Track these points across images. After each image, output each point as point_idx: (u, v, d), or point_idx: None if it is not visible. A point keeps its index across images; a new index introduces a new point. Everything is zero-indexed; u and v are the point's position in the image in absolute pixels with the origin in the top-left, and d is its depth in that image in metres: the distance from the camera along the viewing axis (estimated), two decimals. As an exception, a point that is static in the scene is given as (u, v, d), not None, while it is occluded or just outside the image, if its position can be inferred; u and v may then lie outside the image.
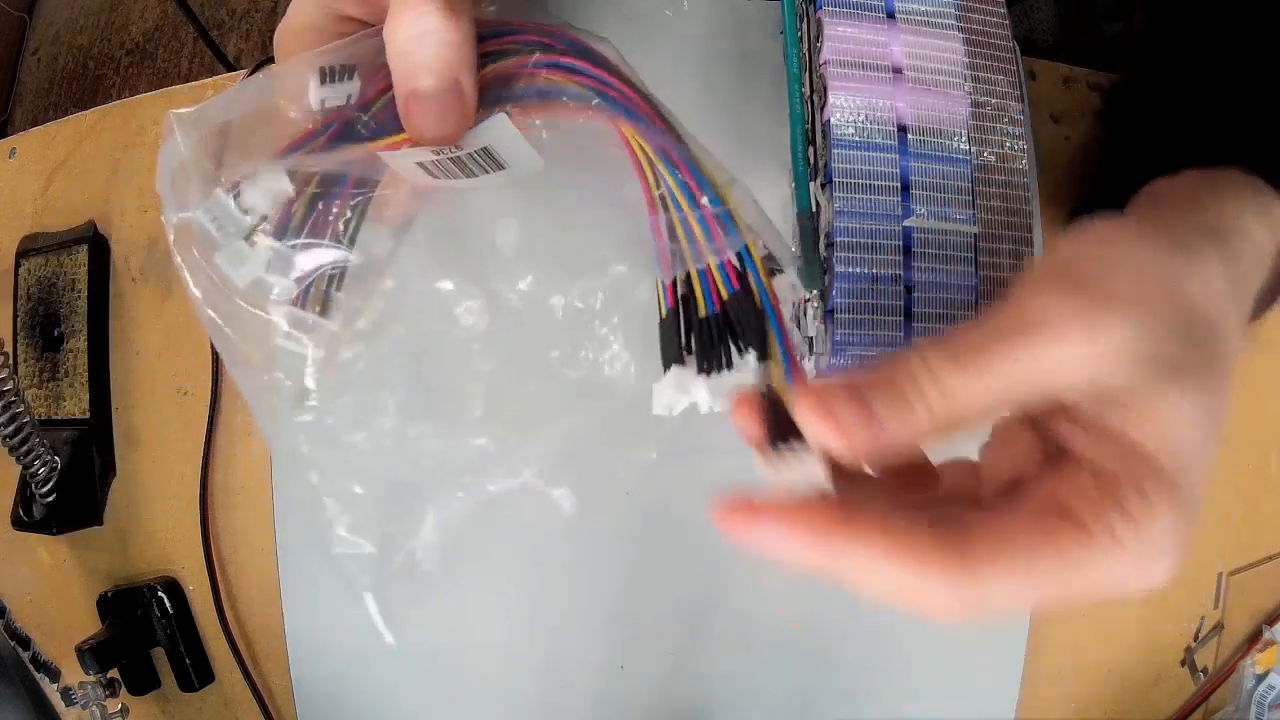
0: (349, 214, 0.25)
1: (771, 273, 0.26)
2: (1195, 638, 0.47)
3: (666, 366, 0.27)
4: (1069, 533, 0.21)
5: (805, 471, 0.23)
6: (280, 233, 0.24)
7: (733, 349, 0.26)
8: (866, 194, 0.36)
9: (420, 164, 0.25)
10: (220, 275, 0.24)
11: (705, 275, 0.26)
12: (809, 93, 0.39)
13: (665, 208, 0.26)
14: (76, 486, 0.42)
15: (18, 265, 0.46)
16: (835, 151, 0.36)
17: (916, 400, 0.22)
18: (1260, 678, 0.48)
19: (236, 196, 0.24)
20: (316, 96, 0.24)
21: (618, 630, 0.40)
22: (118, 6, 1.13)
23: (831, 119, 0.36)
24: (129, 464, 0.43)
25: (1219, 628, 0.48)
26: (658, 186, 0.26)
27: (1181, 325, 0.23)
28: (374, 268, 0.27)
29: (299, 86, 0.24)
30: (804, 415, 0.22)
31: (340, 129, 0.25)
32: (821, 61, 0.37)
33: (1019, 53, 0.39)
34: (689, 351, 0.27)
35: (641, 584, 0.41)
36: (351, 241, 0.25)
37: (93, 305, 0.44)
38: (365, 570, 0.40)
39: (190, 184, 0.24)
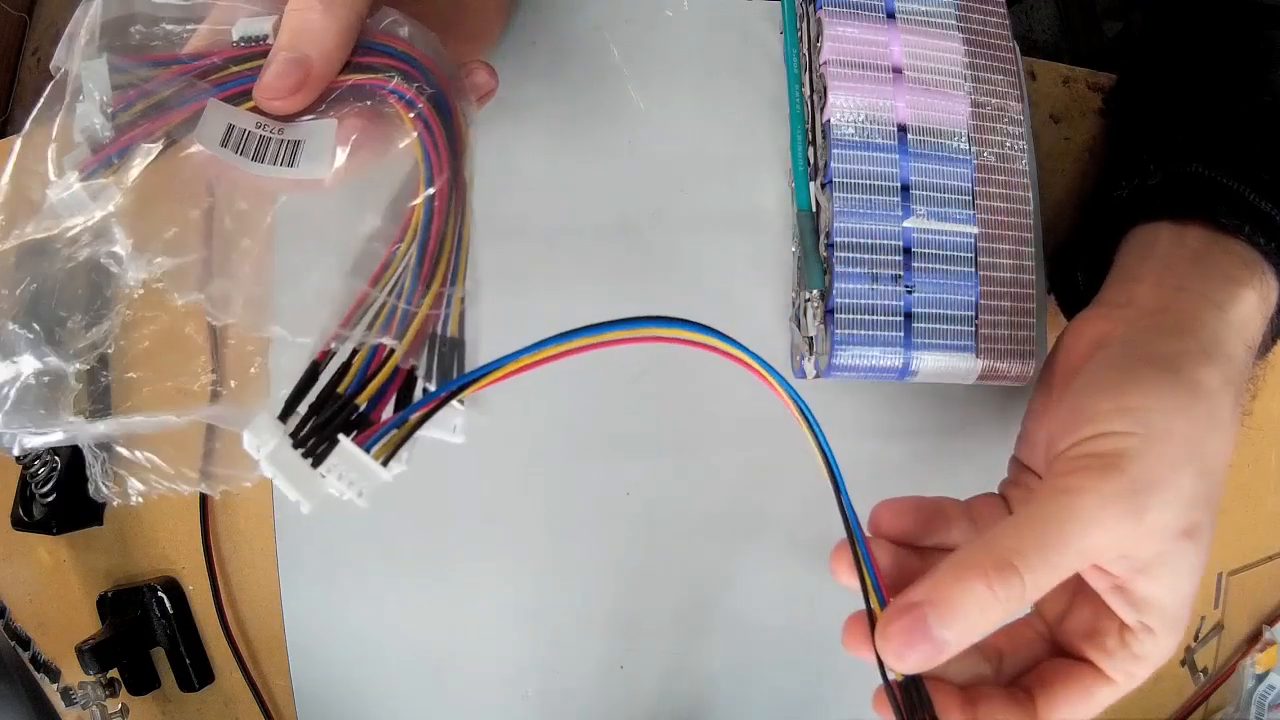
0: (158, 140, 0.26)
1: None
2: (1195, 638, 0.47)
3: (285, 410, 0.25)
4: (1102, 685, 0.28)
5: None
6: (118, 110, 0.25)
7: (328, 447, 0.24)
8: (866, 194, 0.36)
9: (231, 124, 0.26)
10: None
11: (374, 357, 0.24)
12: (809, 93, 0.39)
13: (386, 268, 0.25)
14: (76, 486, 0.42)
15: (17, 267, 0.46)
16: (835, 151, 0.36)
17: (980, 620, 0.24)
18: (1260, 678, 0.48)
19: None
20: (238, 29, 0.26)
21: (617, 630, 0.40)
22: (118, 6, 1.13)
23: (831, 119, 0.36)
24: (129, 464, 0.43)
25: (1219, 628, 0.48)
26: (402, 258, 0.25)
27: (1205, 495, 0.26)
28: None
29: (230, 15, 0.26)
30: (889, 656, 0.26)
31: (217, 64, 0.26)
32: (821, 61, 0.37)
33: (1019, 53, 0.39)
34: (294, 409, 0.25)
35: (641, 584, 0.41)
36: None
37: (93, 304, 0.44)
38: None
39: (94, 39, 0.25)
